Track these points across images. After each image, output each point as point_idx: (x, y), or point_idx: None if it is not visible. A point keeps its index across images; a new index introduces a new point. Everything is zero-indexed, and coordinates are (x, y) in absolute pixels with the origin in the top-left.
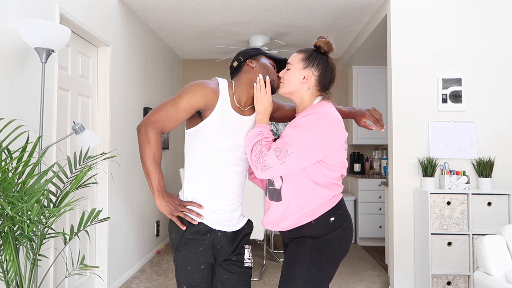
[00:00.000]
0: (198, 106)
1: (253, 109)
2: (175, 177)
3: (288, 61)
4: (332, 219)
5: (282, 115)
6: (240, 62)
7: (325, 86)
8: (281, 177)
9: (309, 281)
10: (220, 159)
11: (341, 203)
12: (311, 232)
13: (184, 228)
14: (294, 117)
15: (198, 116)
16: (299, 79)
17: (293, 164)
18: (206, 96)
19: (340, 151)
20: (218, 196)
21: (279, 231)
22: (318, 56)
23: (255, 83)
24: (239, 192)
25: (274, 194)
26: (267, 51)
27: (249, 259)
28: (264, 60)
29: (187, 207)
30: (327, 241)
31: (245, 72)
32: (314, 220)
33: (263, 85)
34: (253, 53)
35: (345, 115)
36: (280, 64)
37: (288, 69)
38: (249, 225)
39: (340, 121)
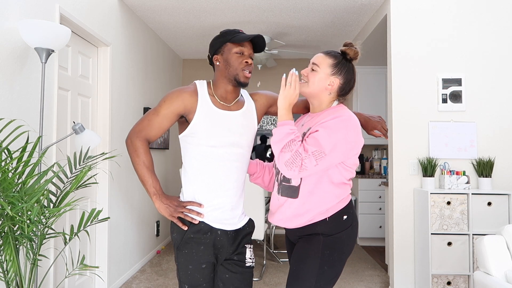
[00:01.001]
0: (178, 111)
1: (239, 104)
2: (175, 177)
3: (313, 61)
4: (345, 217)
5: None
6: (210, 59)
7: (345, 93)
8: None
9: (321, 278)
10: (216, 157)
11: (351, 202)
12: (325, 229)
13: (185, 228)
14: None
15: (186, 121)
16: (324, 84)
17: (324, 165)
18: (184, 101)
19: (358, 154)
20: (218, 193)
21: (286, 229)
22: (346, 64)
23: (284, 74)
24: (239, 188)
25: (289, 190)
26: (237, 32)
27: (250, 258)
28: (227, 53)
29: (187, 207)
30: (339, 239)
31: (216, 69)
32: (328, 217)
33: (295, 79)
34: (217, 46)
35: None
36: (255, 43)
37: (313, 70)
38: (250, 224)
39: (360, 126)
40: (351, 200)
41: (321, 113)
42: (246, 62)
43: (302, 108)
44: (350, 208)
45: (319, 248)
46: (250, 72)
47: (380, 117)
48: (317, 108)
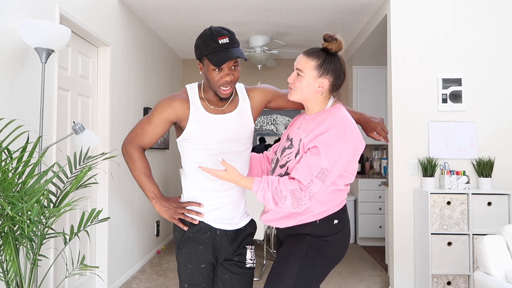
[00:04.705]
0: (170, 119)
1: (233, 105)
2: (176, 177)
3: (296, 66)
4: (335, 221)
5: (277, 106)
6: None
7: (337, 87)
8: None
9: (300, 278)
10: (213, 159)
11: (345, 208)
12: (313, 231)
13: (186, 228)
14: (290, 107)
15: (179, 127)
16: (313, 88)
17: (330, 180)
18: (175, 109)
19: (358, 158)
20: (217, 193)
21: (277, 228)
22: (331, 60)
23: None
24: (240, 187)
25: None
26: (216, 45)
27: (251, 259)
28: (206, 67)
29: (187, 207)
30: (326, 243)
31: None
32: (319, 220)
33: (216, 173)
34: (198, 55)
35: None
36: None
37: (298, 75)
38: (252, 225)
39: (357, 127)
40: (345, 205)
41: (317, 116)
42: (226, 79)
43: (295, 103)
44: (343, 213)
45: (304, 248)
46: (231, 87)
47: (382, 119)
48: (311, 110)
